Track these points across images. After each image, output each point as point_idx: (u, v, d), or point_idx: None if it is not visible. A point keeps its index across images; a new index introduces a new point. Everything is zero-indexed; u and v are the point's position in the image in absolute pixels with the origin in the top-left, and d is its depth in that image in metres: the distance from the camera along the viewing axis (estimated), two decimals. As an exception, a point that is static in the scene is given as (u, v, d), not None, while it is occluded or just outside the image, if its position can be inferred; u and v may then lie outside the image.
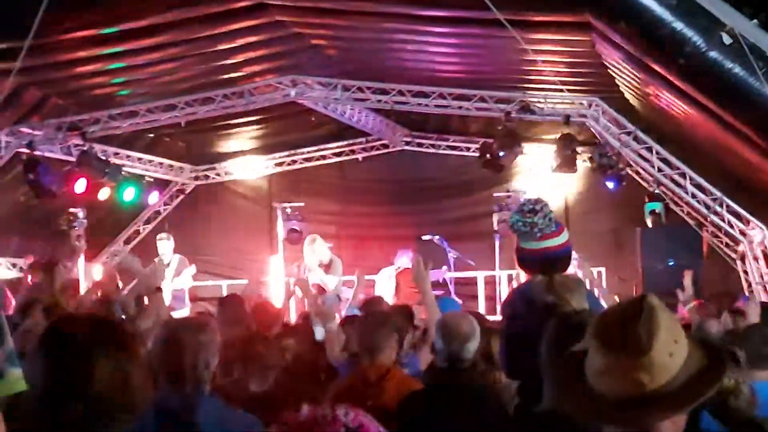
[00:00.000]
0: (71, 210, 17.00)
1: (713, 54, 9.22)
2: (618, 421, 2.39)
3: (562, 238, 5.31)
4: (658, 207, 15.42)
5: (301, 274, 13.47)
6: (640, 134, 14.77)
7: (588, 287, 5.23)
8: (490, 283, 17.46)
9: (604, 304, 6.03)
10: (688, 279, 10.25)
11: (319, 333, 8.10)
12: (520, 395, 4.73)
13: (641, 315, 2.39)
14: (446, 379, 5.65)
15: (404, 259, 14.85)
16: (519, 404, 4.73)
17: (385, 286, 15.12)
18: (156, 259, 14.14)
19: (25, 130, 15.39)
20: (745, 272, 15.88)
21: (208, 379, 4.32)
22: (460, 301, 13.07)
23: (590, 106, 14.59)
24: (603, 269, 16.46)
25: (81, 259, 16.86)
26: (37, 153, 15.23)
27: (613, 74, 13.52)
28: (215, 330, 4.53)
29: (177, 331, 4.42)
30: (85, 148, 15.52)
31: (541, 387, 2.90)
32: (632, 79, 13.03)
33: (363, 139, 19.92)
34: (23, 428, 2.74)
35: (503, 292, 17.01)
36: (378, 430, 2.16)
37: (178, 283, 14.88)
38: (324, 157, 20.42)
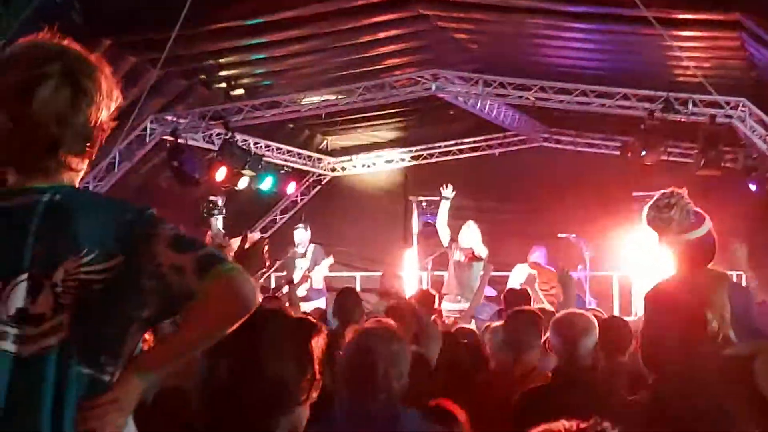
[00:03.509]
0: (211, 198, 17.32)
1: None
2: None
3: (703, 230, 5.08)
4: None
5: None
6: (788, 137, 14.34)
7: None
8: (626, 284, 17.21)
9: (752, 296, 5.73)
10: None
11: None
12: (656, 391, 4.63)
13: None
14: (563, 376, 5.53)
15: (536, 255, 14.75)
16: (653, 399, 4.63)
17: (519, 283, 15.01)
18: (289, 252, 14.33)
19: (169, 117, 15.71)
20: None
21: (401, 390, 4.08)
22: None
23: (737, 107, 14.20)
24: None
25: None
26: (180, 140, 15.54)
27: (762, 75, 13.19)
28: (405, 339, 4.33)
29: (369, 339, 4.17)
30: (227, 137, 15.75)
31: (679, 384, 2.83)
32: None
33: (500, 135, 19.81)
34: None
35: (639, 293, 16.80)
36: None
37: (316, 273, 14.98)
38: (461, 152, 20.37)
